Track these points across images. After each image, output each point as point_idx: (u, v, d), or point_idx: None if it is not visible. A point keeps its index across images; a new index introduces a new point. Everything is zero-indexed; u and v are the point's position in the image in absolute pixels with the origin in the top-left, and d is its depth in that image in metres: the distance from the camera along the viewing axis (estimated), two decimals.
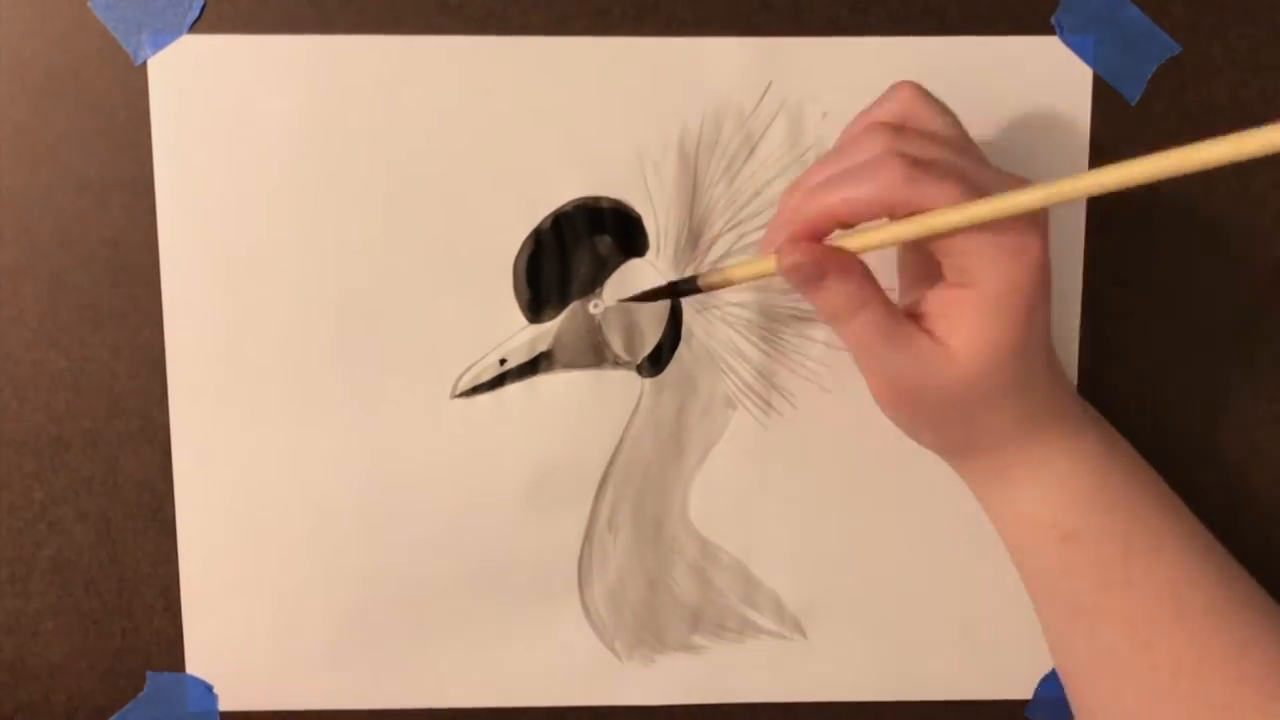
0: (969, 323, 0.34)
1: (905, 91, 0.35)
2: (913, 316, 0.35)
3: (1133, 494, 0.37)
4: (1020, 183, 0.33)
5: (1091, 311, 0.42)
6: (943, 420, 0.36)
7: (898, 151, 0.33)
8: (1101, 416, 0.39)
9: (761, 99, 0.41)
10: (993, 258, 0.33)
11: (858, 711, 0.44)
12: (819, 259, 0.33)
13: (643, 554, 0.43)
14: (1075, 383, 0.43)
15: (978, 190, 0.32)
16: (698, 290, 0.38)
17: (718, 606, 0.43)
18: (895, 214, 0.33)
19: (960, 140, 0.35)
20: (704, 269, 0.41)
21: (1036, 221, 0.33)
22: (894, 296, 0.37)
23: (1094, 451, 0.37)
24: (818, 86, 0.41)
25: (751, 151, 0.41)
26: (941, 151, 0.33)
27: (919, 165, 0.32)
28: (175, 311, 0.41)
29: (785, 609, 0.43)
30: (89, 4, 0.40)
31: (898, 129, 0.34)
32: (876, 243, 0.34)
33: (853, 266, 0.34)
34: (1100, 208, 0.42)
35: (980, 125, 0.41)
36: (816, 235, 0.34)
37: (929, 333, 0.35)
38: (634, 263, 0.42)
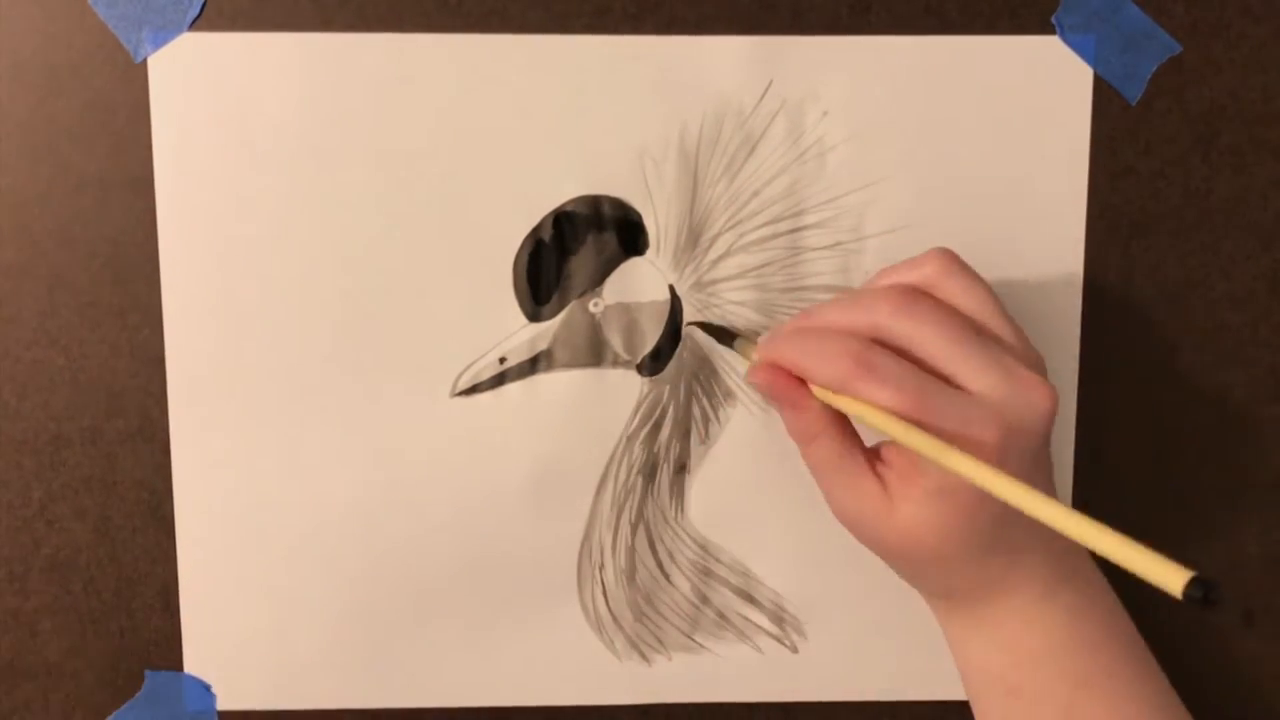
0: (914, 495, 0.35)
1: (935, 262, 0.36)
2: (877, 457, 0.36)
3: (1087, 659, 0.36)
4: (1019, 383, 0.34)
5: (1092, 311, 0.42)
6: (889, 558, 0.37)
7: (855, 348, 0.34)
8: (1084, 563, 0.38)
9: (762, 98, 0.41)
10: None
11: (857, 711, 0.44)
12: (772, 387, 0.36)
13: (642, 554, 0.43)
14: (1075, 382, 0.43)
15: (930, 399, 0.33)
16: (729, 345, 0.41)
17: (717, 606, 0.43)
18: (843, 395, 0.34)
19: (967, 326, 0.34)
20: (703, 268, 0.42)
21: (995, 417, 0.33)
22: None
23: (1053, 616, 0.36)
24: (818, 85, 0.41)
25: (752, 150, 0.41)
26: (926, 344, 0.34)
27: (866, 365, 0.33)
28: (175, 310, 0.41)
29: (785, 609, 0.43)
30: (89, 1, 0.40)
31: (897, 308, 0.34)
32: (835, 403, 0.35)
33: (804, 403, 0.36)
34: (1100, 207, 0.42)
35: (980, 125, 0.41)
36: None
37: (882, 480, 0.35)
38: (634, 261, 0.42)
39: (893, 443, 0.36)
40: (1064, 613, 0.36)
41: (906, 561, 0.37)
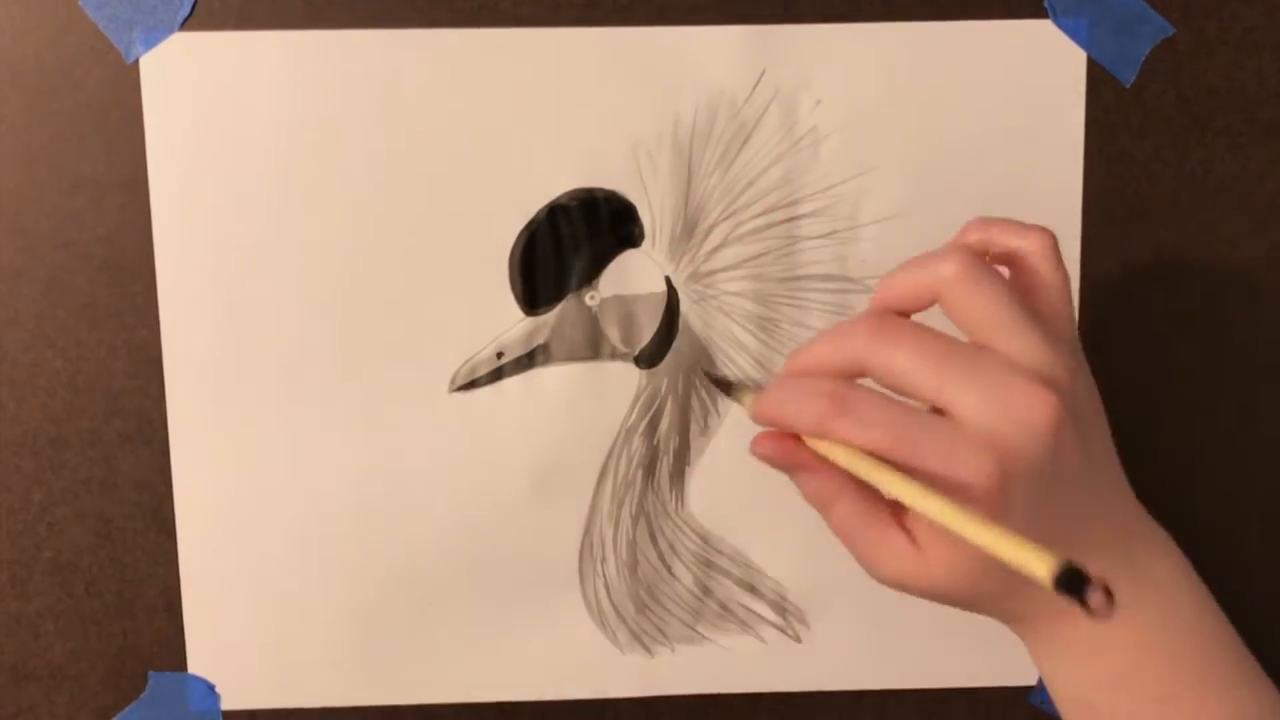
0: (943, 542, 0.32)
1: (952, 264, 0.32)
2: (902, 508, 0.33)
3: (1169, 674, 0.34)
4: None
5: (1089, 294, 0.42)
6: (945, 603, 0.34)
7: (829, 387, 0.31)
8: (1162, 567, 0.34)
9: (755, 87, 0.41)
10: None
11: (861, 700, 0.44)
12: (775, 456, 0.33)
13: (643, 546, 0.43)
14: None
15: (912, 435, 0.30)
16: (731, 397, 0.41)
17: (719, 597, 0.43)
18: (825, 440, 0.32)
19: (950, 345, 0.31)
20: (699, 259, 0.41)
21: (985, 448, 0.30)
22: None
23: (1124, 637, 0.33)
24: (811, 74, 0.41)
25: (746, 140, 0.41)
26: (907, 372, 0.31)
27: (840, 404, 0.31)
28: (171, 310, 0.41)
29: (788, 599, 0.43)
30: (80, 3, 0.40)
31: (872, 337, 0.32)
32: (827, 454, 0.33)
33: (811, 465, 0.33)
34: (1095, 191, 0.42)
35: (975, 110, 0.41)
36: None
37: (910, 533, 0.33)
38: (630, 254, 0.41)
39: None
40: (1137, 631, 0.34)
41: (959, 604, 0.34)
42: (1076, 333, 0.34)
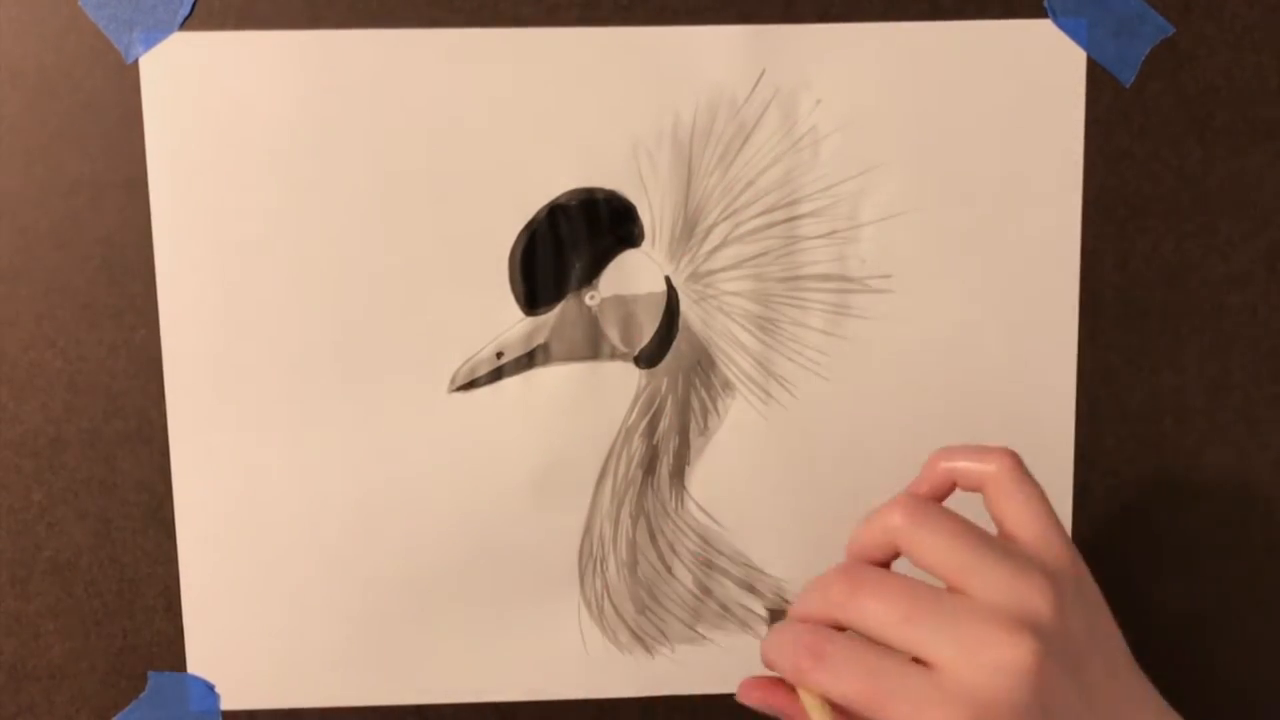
0: None
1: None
2: None
3: None
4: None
5: (1089, 295, 0.42)
6: None
7: (807, 637, 0.32)
8: None
9: (755, 87, 0.41)
10: None
11: None
12: (762, 704, 0.35)
13: (643, 546, 0.43)
14: (1073, 368, 0.42)
15: (885, 683, 0.30)
16: None
17: (719, 597, 0.43)
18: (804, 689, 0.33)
19: (975, 542, 0.32)
20: (699, 259, 0.41)
21: (955, 696, 0.30)
22: None
23: None
24: (811, 73, 0.41)
25: (746, 140, 0.41)
26: (878, 627, 0.31)
27: (815, 654, 0.31)
28: (171, 310, 0.41)
29: (787, 598, 0.43)
30: (80, 3, 0.40)
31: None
32: (810, 709, 0.33)
33: (798, 713, 0.34)
34: (1095, 191, 0.42)
35: (974, 110, 0.41)
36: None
37: None
38: (630, 253, 0.41)
39: None
40: None
41: None
42: (1065, 544, 0.33)
